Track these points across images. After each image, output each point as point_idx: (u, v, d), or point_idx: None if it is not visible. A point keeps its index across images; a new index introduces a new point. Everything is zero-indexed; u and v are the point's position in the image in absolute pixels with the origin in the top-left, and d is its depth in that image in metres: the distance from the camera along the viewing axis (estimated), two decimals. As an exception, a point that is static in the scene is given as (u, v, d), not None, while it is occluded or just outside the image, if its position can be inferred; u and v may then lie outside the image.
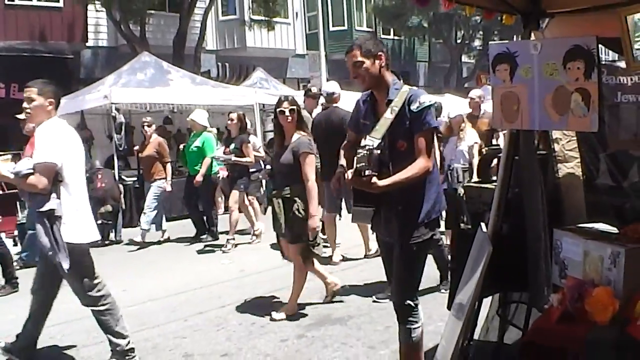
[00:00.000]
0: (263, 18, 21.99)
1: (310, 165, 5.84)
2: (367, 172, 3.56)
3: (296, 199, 5.85)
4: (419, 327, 4.07)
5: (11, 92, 16.94)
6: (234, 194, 9.91)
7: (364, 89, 4.05)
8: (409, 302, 4.00)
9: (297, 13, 27.32)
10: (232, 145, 9.74)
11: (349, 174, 3.62)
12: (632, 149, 3.79)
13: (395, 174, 3.74)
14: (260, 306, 6.54)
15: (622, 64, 3.52)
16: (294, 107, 5.95)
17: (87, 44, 20.15)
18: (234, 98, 15.33)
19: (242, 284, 7.58)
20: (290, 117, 5.90)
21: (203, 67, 20.84)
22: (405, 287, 4.01)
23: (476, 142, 7.91)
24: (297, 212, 5.84)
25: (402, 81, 3.96)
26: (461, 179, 7.28)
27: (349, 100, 15.75)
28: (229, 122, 10.06)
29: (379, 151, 3.68)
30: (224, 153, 9.89)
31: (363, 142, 3.71)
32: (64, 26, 18.94)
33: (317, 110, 9.07)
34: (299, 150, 5.82)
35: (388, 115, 3.80)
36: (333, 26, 30.09)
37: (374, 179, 3.59)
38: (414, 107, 3.76)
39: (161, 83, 14.61)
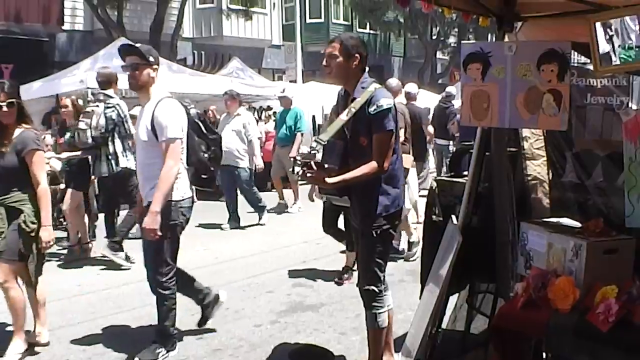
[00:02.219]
0: (241, 7, 22.06)
1: (39, 165, 4.81)
2: (312, 169, 3.85)
3: (23, 207, 4.74)
4: (384, 312, 4.23)
5: (-14, 72, 16.84)
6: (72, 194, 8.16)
7: (329, 79, 4.26)
8: (372, 287, 4.16)
9: (274, 4, 27.31)
10: (67, 135, 8.00)
11: (297, 170, 3.84)
12: (596, 149, 3.97)
13: (355, 168, 3.95)
14: (234, 292, 6.64)
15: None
16: (13, 99, 4.76)
17: (63, 27, 20.04)
18: (210, 87, 15.35)
19: (216, 270, 7.67)
20: (7, 110, 4.71)
21: (179, 55, 20.80)
22: (367, 273, 4.19)
23: None
24: (23, 225, 4.71)
25: (371, 79, 4.11)
26: None
27: (321, 91, 15.80)
28: (62, 109, 8.41)
29: (319, 155, 3.97)
30: (57, 144, 8.55)
31: (312, 143, 3.98)
32: (40, 8, 18.82)
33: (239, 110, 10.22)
34: (25, 148, 4.74)
35: (343, 117, 3.98)
36: (310, 18, 30.17)
37: (325, 176, 3.89)
38: (371, 109, 3.92)
39: (137, 69, 14.55)
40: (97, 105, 7.71)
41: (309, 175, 3.83)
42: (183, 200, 4.84)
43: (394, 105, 4.04)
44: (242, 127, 10.23)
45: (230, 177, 10.27)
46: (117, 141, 7.60)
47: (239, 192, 10.49)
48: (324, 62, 4.11)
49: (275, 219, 10.93)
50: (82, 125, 7.52)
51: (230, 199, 10.50)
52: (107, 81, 7.88)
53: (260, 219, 10.56)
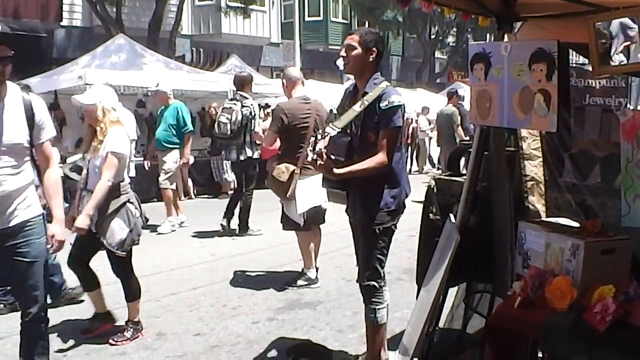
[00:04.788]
0: (239, 5, 22.03)
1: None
2: (321, 157, 3.85)
3: None
4: (383, 307, 4.30)
5: (-18, 67, 16.77)
6: None
7: (346, 71, 4.31)
8: (373, 283, 4.24)
9: (273, 1, 27.33)
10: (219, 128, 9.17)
11: (310, 156, 3.85)
12: (594, 150, 3.98)
13: (359, 162, 4.01)
14: (231, 289, 6.68)
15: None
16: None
17: (62, 24, 20.02)
18: (208, 84, 15.36)
19: (214, 267, 7.70)
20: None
21: (177, 52, 20.78)
22: (368, 268, 4.24)
23: None
24: None
25: (382, 78, 4.19)
26: None
27: (320, 91, 15.82)
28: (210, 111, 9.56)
29: (323, 142, 3.97)
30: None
31: (326, 129, 4.01)
32: (38, 4, 18.77)
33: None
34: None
35: (356, 108, 4.05)
36: (309, 16, 30.15)
37: (332, 166, 3.94)
38: (383, 104, 4.01)
39: (135, 66, 14.57)
40: (235, 104, 9.09)
41: (319, 163, 3.84)
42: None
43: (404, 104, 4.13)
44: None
45: None
46: (247, 135, 9.13)
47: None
48: (342, 52, 4.19)
49: (274, 217, 10.91)
50: (223, 119, 9.02)
51: None
52: (242, 83, 9.36)
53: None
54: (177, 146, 10.19)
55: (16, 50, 3.99)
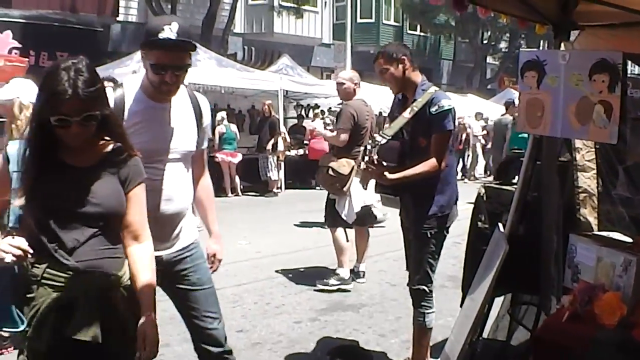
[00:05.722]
0: (292, 5, 22.12)
1: None
2: (373, 164, 3.98)
3: None
4: (432, 312, 4.34)
5: (40, 60, 17.13)
6: None
7: (395, 93, 4.39)
8: (422, 287, 4.27)
9: (325, 2, 27.39)
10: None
11: (362, 164, 3.90)
12: (649, 162, 3.90)
13: (411, 167, 4.05)
14: (275, 288, 6.72)
15: (648, 79, 3.64)
16: None
17: (117, 19, 20.34)
18: (258, 82, 15.48)
19: (258, 264, 7.75)
20: None
21: (230, 50, 21.00)
22: (419, 272, 4.27)
23: None
24: None
25: (430, 83, 4.22)
26: None
27: (370, 93, 15.85)
28: None
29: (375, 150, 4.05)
30: None
31: (376, 137, 4.12)
32: (95, -1, 19.18)
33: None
34: None
35: (406, 115, 4.09)
36: (360, 18, 30.16)
37: (385, 172, 3.99)
38: (433, 109, 4.03)
39: (188, 62, 14.74)
40: None
41: (370, 169, 3.90)
42: None
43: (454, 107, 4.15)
44: None
45: None
46: None
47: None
48: (381, 80, 4.30)
49: (320, 217, 10.96)
50: None
51: None
52: None
53: None
54: None
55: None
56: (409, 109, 4.08)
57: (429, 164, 4.02)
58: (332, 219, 6.75)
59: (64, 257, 2.39)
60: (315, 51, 27.35)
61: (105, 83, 2.57)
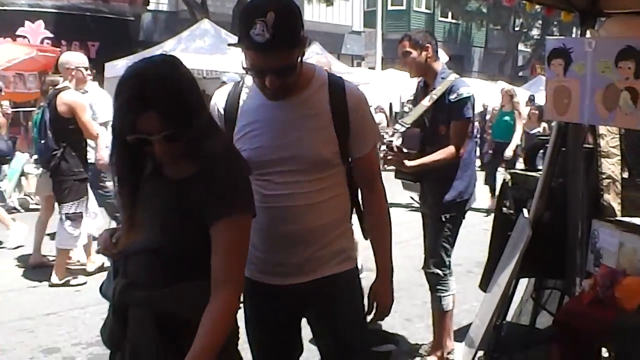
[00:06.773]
0: (322, -8, 22.09)
1: None
2: (393, 152, 4.05)
3: None
4: (448, 295, 4.38)
5: (72, 49, 17.41)
6: None
7: (412, 76, 4.41)
8: (437, 271, 4.33)
9: (356, -10, 27.33)
10: None
11: (382, 151, 3.96)
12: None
13: (430, 154, 4.11)
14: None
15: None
16: None
17: (148, 8, 20.53)
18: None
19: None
20: None
21: (260, 38, 21.03)
22: (434, 256, 4.33)
23: None
24: None
25: (450, 70, 4.25)
26: None
27: (400, 80, 15.80)
28: None
29: (398, 138, 4.14)
30: None
31: (396, 125, 4.22)
32: (126, -12, 19.37)
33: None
34: None
35: (425, 103, 4.16)
36: (392, 5, 30.10)
37: (404, 160, 4.06)
38: (452, 97, 4.07)
39: (220, 51, 14.83)
40: None
41: (389, 157, 3.99)
42: None
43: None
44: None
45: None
46: None
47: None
48: (402, 63, 4.33)
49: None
50: None
51: None
52: None
53: None
54: None
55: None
56: (428, 97, 4.15)
57: (447, 151, 4.06)
58: None
59: None
60: (345, 39, 27.32)
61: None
